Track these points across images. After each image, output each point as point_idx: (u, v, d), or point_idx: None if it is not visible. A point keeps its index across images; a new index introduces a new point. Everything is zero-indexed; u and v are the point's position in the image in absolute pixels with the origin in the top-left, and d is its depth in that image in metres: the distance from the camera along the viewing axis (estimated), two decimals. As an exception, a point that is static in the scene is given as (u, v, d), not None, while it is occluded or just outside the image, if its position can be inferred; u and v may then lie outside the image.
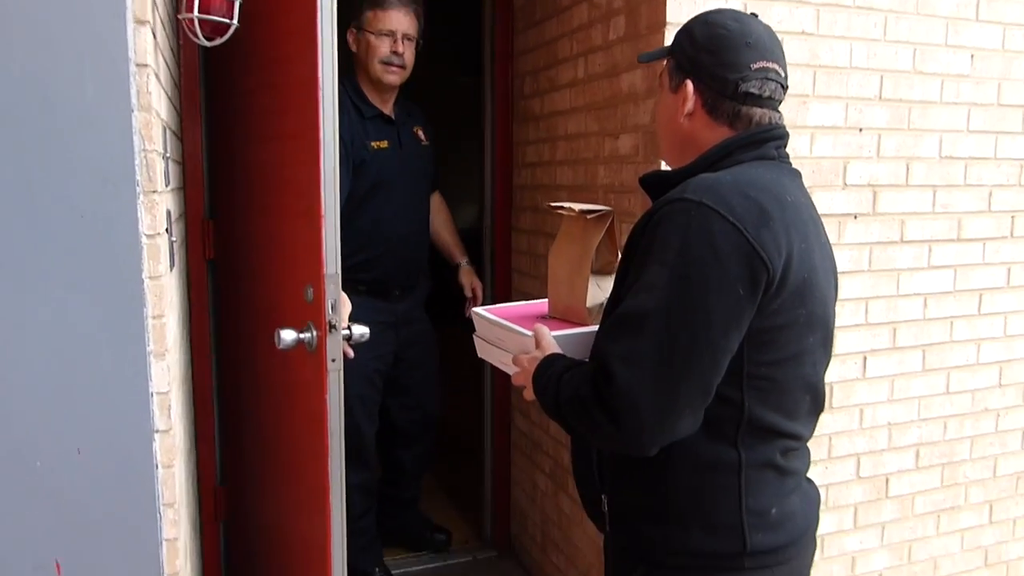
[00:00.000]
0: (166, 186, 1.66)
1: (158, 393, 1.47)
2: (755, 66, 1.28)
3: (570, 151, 2.53)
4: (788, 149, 2.05)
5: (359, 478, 2.77)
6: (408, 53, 2.56)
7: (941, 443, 2.46)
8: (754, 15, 1.36)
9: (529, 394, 1.39)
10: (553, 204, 1.62)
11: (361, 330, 1.90)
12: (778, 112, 1.34)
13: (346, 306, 2.10)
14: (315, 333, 1.74)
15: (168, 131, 1.76)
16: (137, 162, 1.39)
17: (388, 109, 2.65)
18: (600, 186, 2.33)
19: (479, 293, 2.98)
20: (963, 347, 2.44)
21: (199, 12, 1.42)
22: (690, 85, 1.31)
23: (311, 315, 1.75)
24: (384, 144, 2.60)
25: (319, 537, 1.80)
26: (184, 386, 1.94)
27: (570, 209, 1.55)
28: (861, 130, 2.20)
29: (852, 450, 2.33)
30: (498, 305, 1.84)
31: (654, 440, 1.18)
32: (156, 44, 1.54)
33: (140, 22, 1.37)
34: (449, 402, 4.04)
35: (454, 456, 3.90)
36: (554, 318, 1.64)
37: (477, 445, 3.36)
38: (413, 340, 2.85)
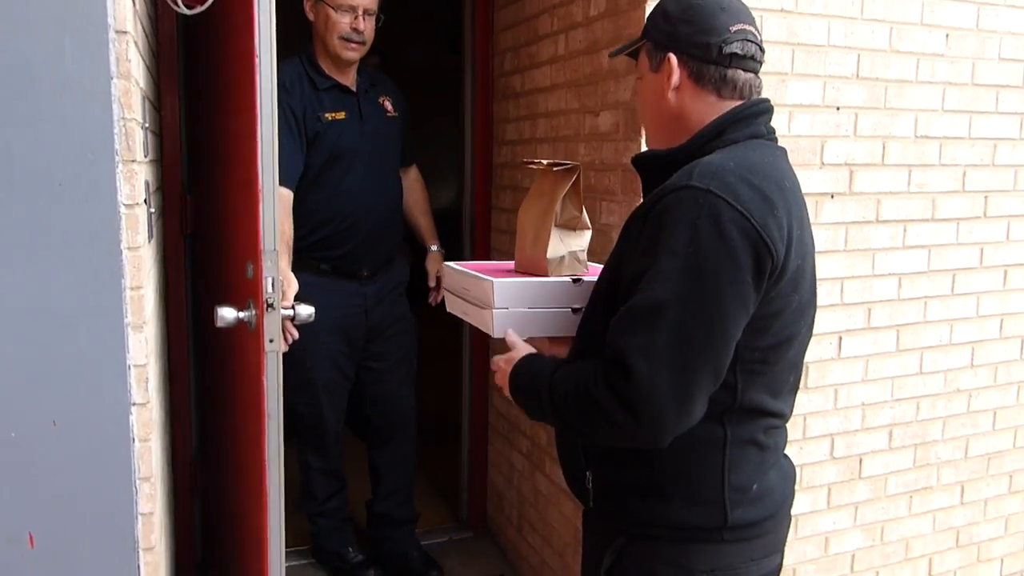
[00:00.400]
0: (145, 157, 1.64)
1: (135, 365, 1.46)
2: (734, 28, 1.30)
3: (550, 129, 2.53)
4: (768, 127, 2.09)
5: (321, 463, 2.73)
6: (369, 28, 2.45)
7: (914, 423, 2.49)
8: None
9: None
10: (525, 159, 1.65)
11: (307, 310, 1.87)
12: (759, 78, 1.36)
13: (292, 285, 2.09)
14: (254, 312, 1.70)
15: (147, 101, 1.73)
16: (116, 131, 1.37)
17: (348, 80, 2.53)
18: (581, 164, 2.32)
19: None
20: (936, 327, 2.47)
21: (178, -21, 1.40)
22: (673, 58, 1.32)
23: (251, 293, 1.71)
24: (341, 115, 2.48)
25: (257, 519, 1.78)
26: (161, 359, 1.92)
27: (539, 163, 1.62)
28: (838, 108, 2.22)
29: (826, 430, 2.36)
30: (469, 262, 1.88)
31: (673, 431, 1.20)
32: (135, 11, 1.51)
33: (118, -12, 1.35)
34: (426, 382, 4.06)
35: (431, 436, 3.90)
36: (520, 272, 1.68)
37: (454, 426, 3.37)
38: (386, 326, 2.73)
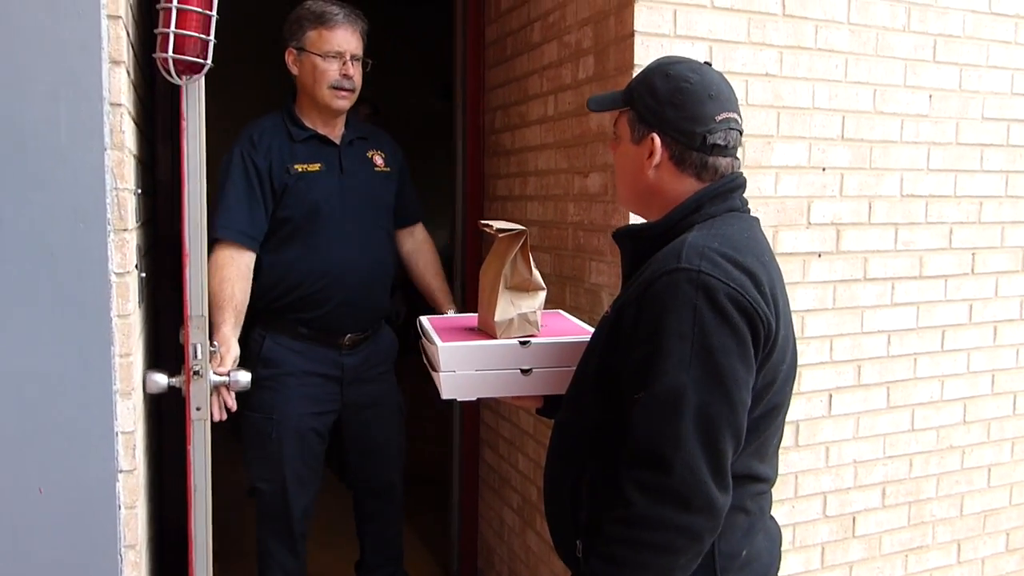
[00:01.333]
0: (137, 222, 1.66)
1: (123, 432, 1.46)
2: (719, 117, 1.33)
3: (540, 187, 2.56)
4: (755, 188, 2.13)
5: (284, 556, 2.44)
6: (357, 74, 2.34)
7: (907, 481, 2.48)
8: (708, 64, 1.41)
9: None
10: (481, 221, 1.71)
11: (244, 378, 1.84)
12: (738, 159, 1.40)
13: (231, 351, 2.06)
14: (181, 379, 1.69)
15: (139, 164, 1.76)
16: (108, 200, 1.39)
17: (332, 131, 2.40)
18: (570, 223, 2.35)
19: None
20: (927, 384, 2.48)
21: (173, 52, 1.43)
22: (657, 139, 1.35)
23: (181, 360, 1.70)
24: (315, 167, 2.33)
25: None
26: (148, 422, 1.91)
27: (489, 227, 1.63)
28: (824, 169, 2.25)
29: (818, 488, 2.35)
30: (440, 316, 1.93)
31: (723, 510, 1.22)
32: (131, 82, 1.54)
33: (115, 62, 1.38)
34: (416, 432, 4.04)
35: (420, 488, 3.87)
36: (476, 332, 1.72)
37: (444, 478, 3.34)
38: (365, 403, 2.50)
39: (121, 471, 1.46)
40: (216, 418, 1.94)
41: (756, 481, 1.36)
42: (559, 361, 1.62)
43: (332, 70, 2.28)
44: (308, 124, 2.36)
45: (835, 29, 2.21)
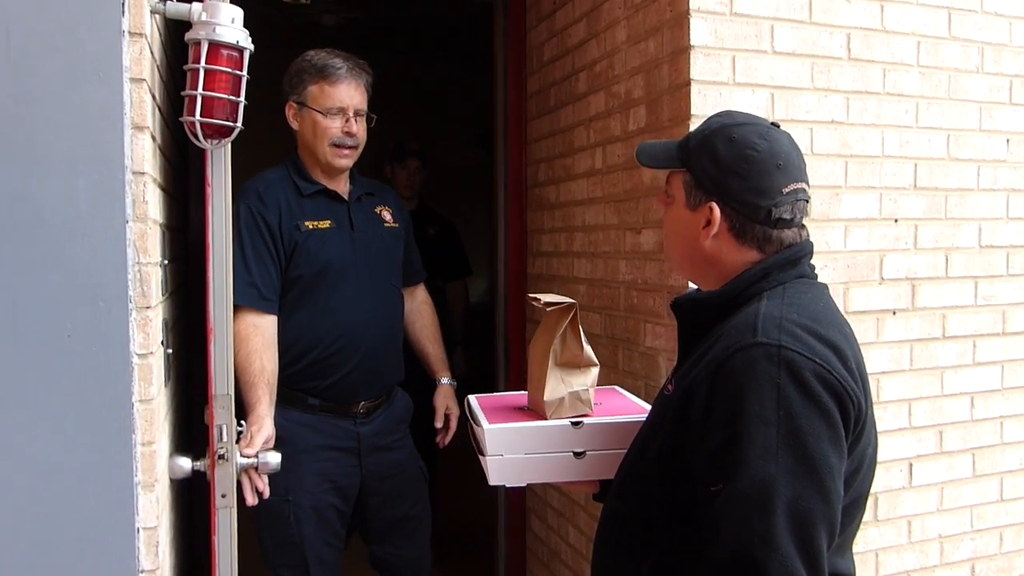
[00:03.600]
0: (163, 295, 1.55)
1: (145, 528, 1.33)
2: (787, 190, 1.22)
3: (588, 243, 2.43)
4: (822, 242, 1.98)
5: None
6: (361, 131, 2.19)
7: (998, 556, 2.27)
8: (776, 125, 1.29)
9: None
10: (530, 295, 1.63)
11: (274, 459, 1.72)
12: (804, 227, 1.28)
13: (263, 431, 1.89)
14: (206, 462, 1.57)
15: (166, 233, 1.66)
16: (130, 276, 1.29)
17: (339, 187, 2.24)
18: (622, 282, 2.21)
19: (453, 423, 2.43)
20: (1015, 449, 2.28)
21: (201, 115, 1.33)
22: (716, 208, 1.23)
23: (207, 441, 1.58)
24: (325, 224, 2.16)
25: None
26: (175, 512, 1.78)
27: (537, 300, 1.54)
28: (896, 221, 2.09)
29: (901, 567, 2.15)
30: (488, 395, 1.80)
31: None
32: (156, 147, 1.45)
33: (139, 128, 1.29)
34: (459, 498, 3.88)
35: (463, 559, 3.69)
36: (527, 412, 1.61)
37: (489, 548, 3.17)
38: (386, 473, 2.30)
39: (142, 572, 1.33)
40: (249, 503, 1.80)
41: None
42: (615, 443, 1.49)
43: (334, 127, 2.14)
44: (314, 177, 2.21)
45: (904, 72, 2.07)
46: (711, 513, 1.10)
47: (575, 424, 1.50)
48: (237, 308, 1.95)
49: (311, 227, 2.14)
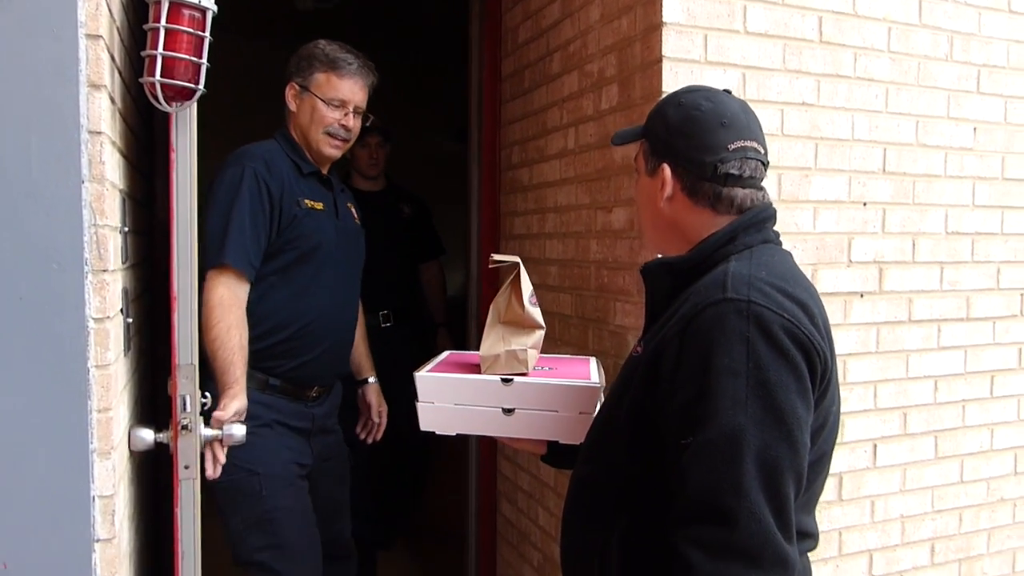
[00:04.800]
0: (123, 263, 1.52)
1: (101, 496, 1.31)
2: (732, 146, 1.25)
3: (560, 224, 2.42)
4: (792, 223, 1.99)
5: None
6: (356, 127, 2.21)
7: (957, 536, 2.30)
8: (727, 91, 1.33)
9: None
10: (493, 255, 1.67)
11: (239, 431, 1.69)
12: (761, 190, 1.30)
13: (235, 400, 1.84)
14: (169, 434, 1.54)
15: (128, 201, 1.63)
16: (86, 238, 1.26)
17: (325, 172, 2.27)
18: (592, 261, 2.21)
19: (383, 420, 2.49)
20: (976, 432, 2.30)
21: (162, 76, 1.30)
22: (667, 169, 1.28)
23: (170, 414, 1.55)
24: (319, 205, 2.16)
25: None
26: (139, 486, 1.75)
27: (491, 259, 1.62)
28: (865, 204, 2.10)
29: (864, 546, 2.17)
30: (460, 352, 1.85)
31: (795, 564, 1.09)
32: (115, 109, 1.41)
33: (95, 86, 1.25)
34: (431, 484, 3.87)
35: (435, 542, 3.69)
36: (468, 367, 1.65)
37: (458, 531, 3.17)
38: (328, 454, 2.28)
39: (98, 540, 1.30)
40: (210, 474, 1.77)
41: (805, 538, 1.24)
42: (546, 404, 1.53)
43: (331, 116, 2.15)
44: (309, 158, 2.20)
45: (875, 57, 2.08)
46: (681, 467, 1.10)
47: (505, 381, 1.54)
48: (224, 267, 1.94)
49: (310, 206, 2.13)
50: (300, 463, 2.14)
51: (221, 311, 1.92)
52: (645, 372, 1.21)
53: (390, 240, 3.35)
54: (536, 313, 1.59)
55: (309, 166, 2.18)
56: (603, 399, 1.55)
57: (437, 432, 1.60)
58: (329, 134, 2.15)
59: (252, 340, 2.02)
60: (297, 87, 2.17)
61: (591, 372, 1.68)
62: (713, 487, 1.06)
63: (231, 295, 1.95)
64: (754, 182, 1.28)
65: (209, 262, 1.93)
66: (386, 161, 3.47)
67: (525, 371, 1.56)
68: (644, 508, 1.21)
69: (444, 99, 3.99)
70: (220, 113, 2.00)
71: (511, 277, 1.56)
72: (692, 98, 1.29)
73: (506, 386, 1.54)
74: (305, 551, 2.10)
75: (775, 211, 1.31)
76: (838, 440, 2.07)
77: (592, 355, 2.18)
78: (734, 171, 1.25)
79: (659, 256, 1.35)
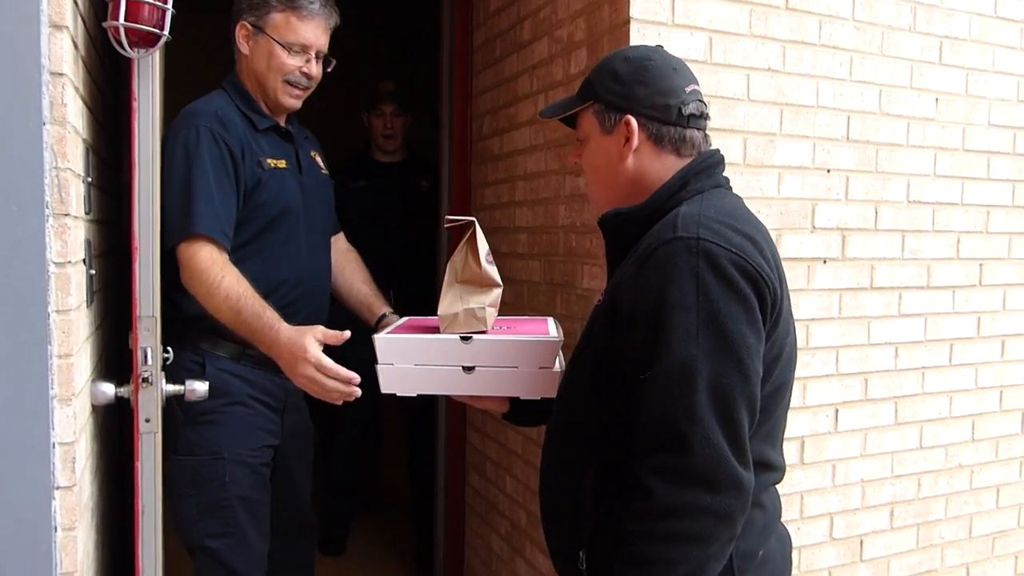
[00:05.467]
0: (86, 213, 1.51)
1: (61, 443, 1.30)
2: (688, 89, 1.32)
3: (530, 191, 2.43)
4: (757, 188, 2.01)
5: None
6: (318, 73, 2.00)
7: (916, 501, 2.35)
8: (659, 47, 1.40)
9: None
10: (447, 216, 1.67)
11: (202, 387, 1.64)
12: (707, 134, 1.37)
13: (303, 337, 1.68)
14: (129, 388, 1.53)
15: (92, 154, 1.61)
16: (47, 181, 1.24)
17: (283, 123, 2.06)
18: (561, 227, 2.22)
19: None
20: (935, 399, 2.35)
21: (125, 20, 1.29)
22: (632, 120, 1.31)
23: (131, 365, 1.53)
24: (282, 163, 1.99)
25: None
26: (101, 436, 1.74)
27: (445, 220, 1.63)
28: (829, 171, 2.13)
29: (825, 509, 2.21)
30: (417, 317, 1.83)
31: (749, 489, 1.12)
32: (78, 53, 1.40)
33: (56, 27, 1.24)
34: (397, 458, 3.88)
35: (403, 515, 3.70)
36: (428, 328, 1.65)
37: (428, 504, 3.18)
38: (298, 432, 2.14)
39: (58, 487, 1.29)
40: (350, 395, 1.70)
41: (769, 469, 1.28)
42: (505, 360, 1.55)
43: (291, 63, 1.94)
44: (263, 111, 2.00)
45: (840, 25, 2.10)
46: (640, 400, 1.14)
47: (464, 339, 1.54)
48: (195, 236, 1.77)
49: (272, 165, 1.96)
50: (269, 444, 2.01)
51: (217, 267, 1.76)
52: (605, 316, 1.24)
53: (405, 215, 3.28)
54: (493, 271, 1.59)
55: (265, 120, 1.99)
56: (562, 355, 1.58)
57: (398, 394, 1.59)
58: (289, 83, 1.95)
59: None
60: (250, 27, 1.94)
61: (549, 329, 1.69)
62: (668, 416, 1.10)
63: (221, 260, 1.79)
64: (705, 123, 1.34)
65: (176, 236, 1.76)
66: (404, 131, 3.34)
67: (484, 329, 1.56)
68: (613, 449, 1.24)
69: (418, 85, 3.95)
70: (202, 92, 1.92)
71: (467, 236, 1.56)
72: (637, 52, 1.35)
73: (465, 344, 1.54)
74: (255, 542, 1.99)
75: (722, 156, 1.36)
76: (800, 404, 2.14)
77: (561, 320, 2.20)
78: (695, 112, 1.30)
79: (615, 208, 1.35)
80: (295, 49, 1.93)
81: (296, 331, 1.71)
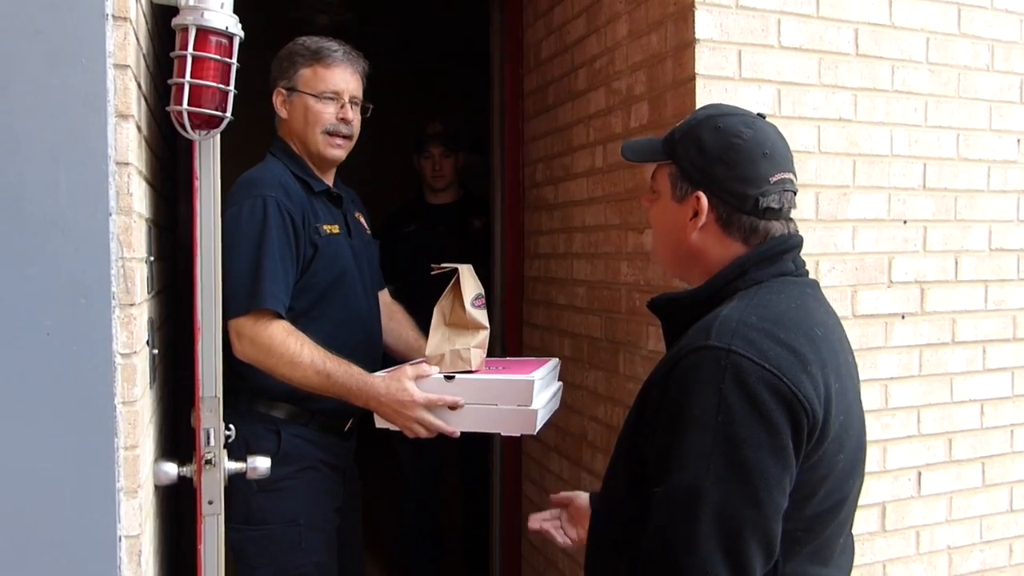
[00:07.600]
0: (149, 293, 1.49)
1: (127, 537, 1.27)
2: (774, 179, 1.19)
3: (588, 244, 2.37)
4: (831, 243, 1.93)
5: None
6: (356, 119, 2.00)
7: (1008, 568, 2.22)
8: (762, 116, 1.26)
9: None
10: (433, 264, 1.83)
11: (264, 464, 1.61)
12: (792, 220, 1.25)
13: (409, 370, 1.73)
14: (192, 468, 1.50)
15: (152, 229, 1.59)
16: (113, 272, 1.22)
17: (331, 184, 2.07)
18: (623, 283, 2.16)
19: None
20: (1025, 458, 2.23)
21: (189, 105, 1.27)
22: (704, 199, 1.20)
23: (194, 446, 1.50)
24: (335, 229, 1.99)
25: None
26: (161, 521, 1.71)
27: (432, 268, 1.81)
28: (906, 222, 2.04)
29: (910, 578, 2.10)
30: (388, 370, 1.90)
31: None
32: (142, 138, 1.38)
33: (123, 116, 1.22)
34: (453, 505, 3.82)
35: (457, 564, 3.63)
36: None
37: (484, 555, 3.11)
38: (354, 490, 2.14)
39: (124, 582, 1.26)
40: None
41: None
42: (485, 398, 1.67)
43: (328, 112, 1.95)
44: (316, 173, 2.01)
45: (913, 69, 2.02)
46: (649, 516, 1.07)
47: (448, 378, 1.69)
48: (262, 312, 1.77)
49: (328, 231, 1.97)
50: (337, 508, 2.01)
51: (293, 338, 1.77)
52: (636, 414, 1.18)
53: (458, 256, 3.22)
54: (480, 315, 1.73)
55: (319, 183, 2.00)
56: (558, 394, 1.70)
57: (391, 429, 1.75)
58: (329, 132, 1.95)
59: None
60: (284, 91, 1.98)
61: (539, 370, 1.75)
62: (668, 542, 1.03)
63: (288, 326, 1.80)
64: (788, 214, 1.24)
65: (240, 307, 1.76)
66: (455, 171, 3.33)
67: (470, 368, 1.70)
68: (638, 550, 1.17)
69: (465, 115, 3.96)
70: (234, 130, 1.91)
71: (452, 282, 1.72)
72: (731, 123, 1.22)
73: (448, 382, 1.68)
74: None
75: (799, 240, 1.25)
76: (880, 468, 2.03)
77: (624, 379, 2.13)
78: (774, 204, 1.19)
79: (668, 292, 1.31)
80: (327, 96, 1.95)
81: (389, 379, 1.76)
